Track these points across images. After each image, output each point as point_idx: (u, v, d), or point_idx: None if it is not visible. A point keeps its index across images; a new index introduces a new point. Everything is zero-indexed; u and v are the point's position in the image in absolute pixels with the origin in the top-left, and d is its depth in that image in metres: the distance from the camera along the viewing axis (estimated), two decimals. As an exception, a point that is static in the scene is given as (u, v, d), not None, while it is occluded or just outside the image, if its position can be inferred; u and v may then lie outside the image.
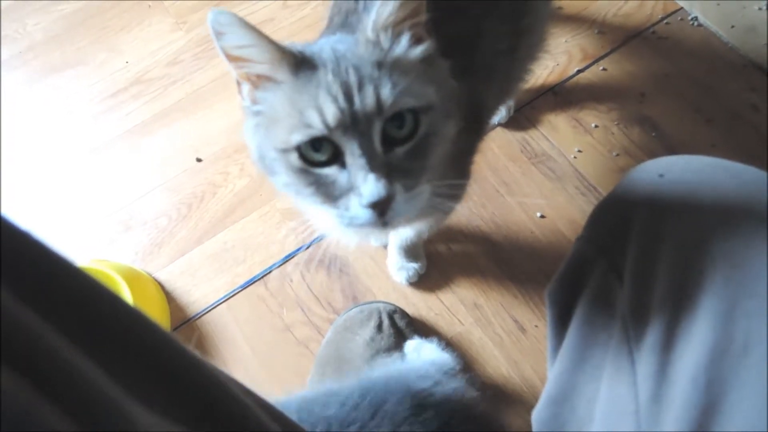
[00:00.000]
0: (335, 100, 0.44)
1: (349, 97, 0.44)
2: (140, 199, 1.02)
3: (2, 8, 1.24)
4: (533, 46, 0.72)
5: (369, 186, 0.43)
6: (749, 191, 0.42)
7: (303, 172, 0.46)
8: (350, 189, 0.45)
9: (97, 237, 0.99)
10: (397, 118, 0.45)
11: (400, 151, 0.46)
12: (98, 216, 1.01)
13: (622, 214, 0.48)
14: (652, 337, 0.40)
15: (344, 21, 0.60)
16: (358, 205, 0.45)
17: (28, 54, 1.19)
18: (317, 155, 0.45)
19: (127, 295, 0.86)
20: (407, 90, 0.45)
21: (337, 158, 0.46)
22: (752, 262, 0.38)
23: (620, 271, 0.46)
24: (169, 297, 0.94)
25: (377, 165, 0.44)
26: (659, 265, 0.42)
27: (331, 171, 0.46)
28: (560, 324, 0.53)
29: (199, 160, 1.05)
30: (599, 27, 1.14)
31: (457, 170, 0.65)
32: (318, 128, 0.44)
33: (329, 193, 0.46)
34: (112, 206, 1.02)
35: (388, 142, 0.45)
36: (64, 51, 1.19)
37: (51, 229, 1.00)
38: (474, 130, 0.65)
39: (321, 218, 0.55)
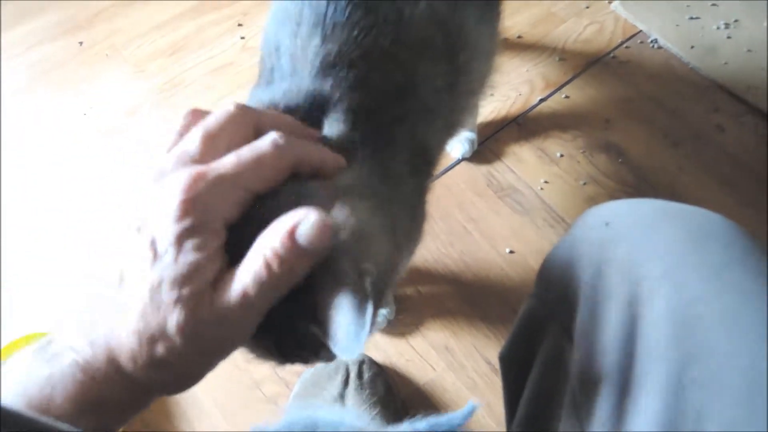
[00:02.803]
0: None
1: None
2: (106, 258, 0.99)
3: (-43, 65, 1.23)
4: (475, 80, 0.69)
5: None
6: (697, 241, 0.40)
7: None
8: None
9: (64, 299, 0.96)
10: None
11: None
12: (61, 279, 0.98)
13: (570, 268, 0.45)
14: (601, 413, 0.38)
15: (269, 77, 0.58)
16: None
17: (-15, 111, 1.17)
18: None
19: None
20: None
21: None
22: (701, 321, 0.36)
23: (571, 333, 0.44)
24: (131, 358, 0.90)
25: None
26: (606, 327, 0.40)
27: None
28: (514, 388, 0.50)
29: (160, 212, 1.02)
30: (560, 54, 1.14)
31: (410, 215, 0.62)
32: None
33: None
34: (74, 268, 0.99)
35: None
36: (22, 106, 1.17)
37: (8, 297, 0.97)
38: (422, 171, 0.62)
39: None
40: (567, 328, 0.44)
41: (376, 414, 0.79)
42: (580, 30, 1.17)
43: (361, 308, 0.35)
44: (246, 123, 0.38)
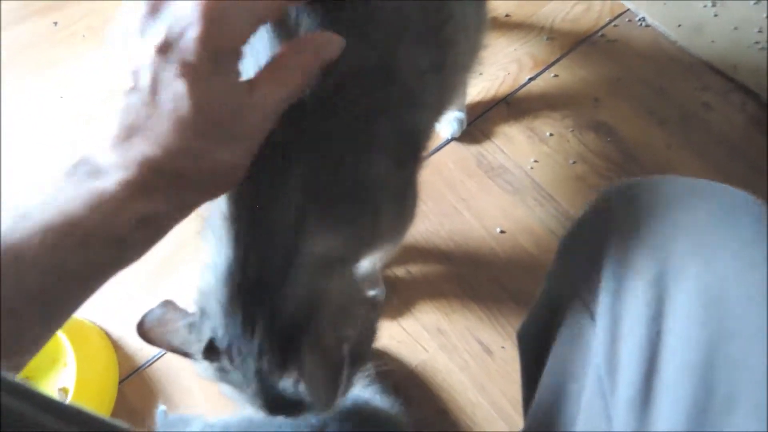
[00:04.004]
0: None
1: None
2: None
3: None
4: (464, 53, 0.64)
5: None
6: (725, 218, 0.39)
7: None
8: None
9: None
10: None
11: None
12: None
13: (592, 245, 0.44)
14: (628, 393, 0.37)
15: None
16: None
17: (-45, 94, 1.12)
18: None
19: (68, 350, 0.80)
20: None
21: None
22: (730, 298, 0.35)
23: (593, 310, 0.42)
24: (115, 345, 0.88)
25: None
26: (632, 305, 0.39)
27: None
28: (533, 368, 0.49)
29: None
30: (548, 33, 1.13)
31: (398, 207, 0.58)
32: None
33: None
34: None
35: None
36: (-6, 89, 1.12)
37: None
38: (410, 159, 0.57)
39: None
40: (589, 306, 0.43)
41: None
42: (568, 9, 1.15)
43: (335, 372, 0.40)
44: None
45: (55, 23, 1.18)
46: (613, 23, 1.13)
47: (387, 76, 0.48)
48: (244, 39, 0.37)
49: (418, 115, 0.54)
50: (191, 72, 0.35)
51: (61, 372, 0.84)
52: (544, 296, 0.48)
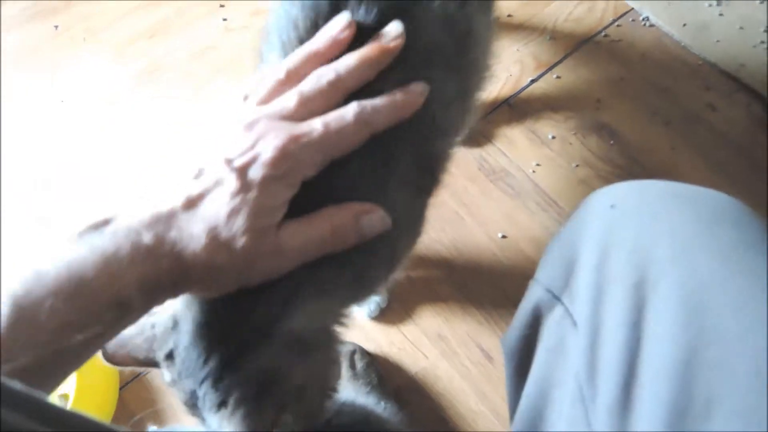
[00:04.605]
0: None
1: None
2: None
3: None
4: (483, 76, 0.63)
5: None
6: (707, 223, 0.38)
7: None
8: None
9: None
10: None
11: None
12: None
13: (574, 252, 0.44)
14: (608, 399, 0.37)
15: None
16: None
17: (-43, 99, 1.12)
18: None
19: (68, 357, 0.80)
20: None
21: None
22: (712, 304, 0.34)
23: (574, 317, 0.42)
24: (117, 351, 0.88)
25: None
26: (613, 311, 0.39)
27: None
28: (518, 375, 0.49)
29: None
30: (551, 33, 1.12)
31: (414, 227, 0.57)
32: None
33: None
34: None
35: None
36: (-4, 93, 1.12)
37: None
38: (428, 187, 0.57)
39: None
40: (571, 313, 0.43)
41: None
42: (571, 9, 1.14)
43: None
44: (338, 93, 0.43)
45: (56, 27, 1.18)
46: (616, 23, 1.12)
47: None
48: (303, 175, 0.41)
49: (440, 143, 0.52)
50: (242, 184, 0.39)
51: (63, 379, 0.84)
52: (528, 303, 0.48)
